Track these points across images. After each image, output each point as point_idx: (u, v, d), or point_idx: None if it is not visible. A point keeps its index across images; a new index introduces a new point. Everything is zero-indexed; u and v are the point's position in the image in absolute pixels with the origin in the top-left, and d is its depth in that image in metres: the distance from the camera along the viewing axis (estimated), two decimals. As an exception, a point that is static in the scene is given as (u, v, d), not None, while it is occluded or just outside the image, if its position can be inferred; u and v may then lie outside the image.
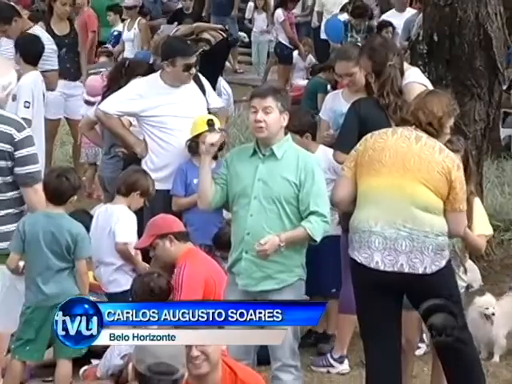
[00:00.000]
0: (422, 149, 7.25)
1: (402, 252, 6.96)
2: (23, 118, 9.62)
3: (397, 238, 6.90)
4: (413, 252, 6.97)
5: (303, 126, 8.78)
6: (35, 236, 7.88)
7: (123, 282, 8.98)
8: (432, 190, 7.21)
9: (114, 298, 8.99)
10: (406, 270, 6.97)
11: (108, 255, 9.15)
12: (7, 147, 8.06)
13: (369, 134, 7.36)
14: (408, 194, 6.97)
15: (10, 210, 8.22)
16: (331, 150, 8.42)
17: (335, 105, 9.37)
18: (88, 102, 13.73)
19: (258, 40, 23.46)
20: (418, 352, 8.07)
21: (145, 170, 9.60)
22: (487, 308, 9.03)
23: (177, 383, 5.40)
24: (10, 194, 8.19)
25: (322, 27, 19.51)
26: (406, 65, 8.94)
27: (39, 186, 8.05)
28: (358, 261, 7.13)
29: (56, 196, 8.01)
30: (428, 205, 7.18)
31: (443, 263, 7.11)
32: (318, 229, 7.24)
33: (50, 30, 13.78)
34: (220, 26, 15.52)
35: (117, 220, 9.29)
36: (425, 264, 7.09)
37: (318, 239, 7.17)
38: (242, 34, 23.37)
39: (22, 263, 8.13)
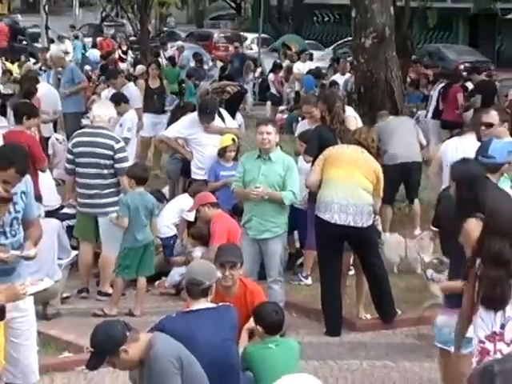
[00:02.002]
0: (364, 157, 7.77)
1: (350, 214, 7.43)
2: (126, 138, 10.35)
3: (347, 205, 7.38)
4: (356, 214, 7.45)
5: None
6: (135, 205, 8.10)
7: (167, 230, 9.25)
8: (368, 180, 7.71)
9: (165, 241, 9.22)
10: (352, 224, 7.46)
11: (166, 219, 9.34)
12: (110, 152, 8.55)
13: (331, 147, 7.96)
14: (355, 180, 7.48)
15: (112, 189, 8.57)
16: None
17: (304, 129, 9.74)
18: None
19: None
20: (350, 273, 8.21)
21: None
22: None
23: (205, 291, 5.45)
24: (111, 180, 8.58)
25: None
26: (345, 106, 9.35)
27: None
28: (324, 218, 7.57)
29: (142, 180, 8.30)
30: (365, 187, 7.64)
31: (370, 221, 7.70)
32: (287, 196, 7.59)
33: (147, 84, 14.85)
34: (237, 84, 16.56)
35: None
36: (362, 221, 7.54)
37: (286, 202, 7.63)
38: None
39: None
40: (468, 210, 5.28)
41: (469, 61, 25.34)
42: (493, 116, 7.62)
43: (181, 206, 9.19)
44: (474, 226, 5.10)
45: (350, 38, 29.96)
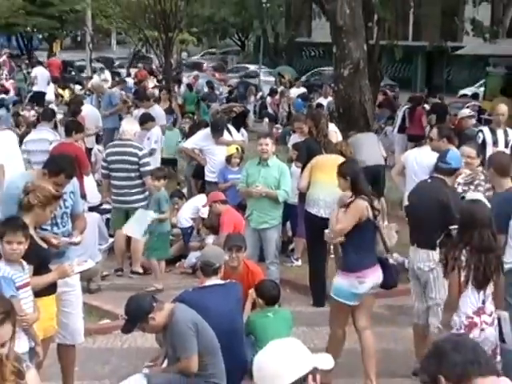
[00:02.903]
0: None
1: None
2: (152, 148, 10.33)
3: (331, 202, 7.03)
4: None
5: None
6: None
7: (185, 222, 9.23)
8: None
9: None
10: None
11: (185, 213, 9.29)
12: (136, 159, 8.54)
13: (317, 156, 7.95)
14: (335, 182, 6.89)
15: (139, 189, 8.53)
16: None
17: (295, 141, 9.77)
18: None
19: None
20: (331, 256, 7.91)
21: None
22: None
23: (216, 270, 5.50)
24: (138, 181, 8.53)
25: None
26: (328, 123, 9.26)
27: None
28: (312, 212, 7.66)
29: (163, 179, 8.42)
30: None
31: None
32: (281, 194, 7.56)
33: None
34: (242, 105, 16.83)
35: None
36: None
37: (280, 199, 7.60)
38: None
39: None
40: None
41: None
42: (433, 132, 7.65)
43: (196, 204, 9.16)
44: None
45: (320, 68, 30.72)
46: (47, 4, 30.58)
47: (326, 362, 2.56)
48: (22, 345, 4.45)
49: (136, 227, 8.06)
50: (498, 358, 4.74)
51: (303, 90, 22.30)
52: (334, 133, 9.36)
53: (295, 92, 21.40)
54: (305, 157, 8.25)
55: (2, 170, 8.54)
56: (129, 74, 27.28)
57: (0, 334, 2.77)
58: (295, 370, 2.48)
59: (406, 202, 7.94)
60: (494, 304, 4.81)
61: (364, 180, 6.08)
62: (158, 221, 7.99)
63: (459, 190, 6.39)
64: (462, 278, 4.71)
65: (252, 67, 31.77)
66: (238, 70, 33.08)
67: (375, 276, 5.84)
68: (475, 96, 22.08)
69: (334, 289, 5.92)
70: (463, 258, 4.70)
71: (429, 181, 6.15)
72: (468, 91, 24.35)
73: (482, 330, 4.70)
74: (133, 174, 8.43)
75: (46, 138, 9.27)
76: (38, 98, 17.35)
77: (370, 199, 5.87)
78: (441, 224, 5.69)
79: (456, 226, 5.33)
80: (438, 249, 5.65)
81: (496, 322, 4.80)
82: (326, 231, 6.12)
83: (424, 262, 5.83)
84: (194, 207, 9.15)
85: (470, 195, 5.65)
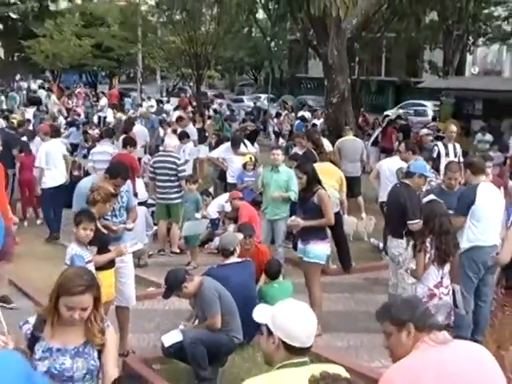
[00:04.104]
0: (333, 169, 7.87)
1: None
2: (187, 160, 10.16)
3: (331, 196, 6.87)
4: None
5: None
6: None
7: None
8: (337, 183, 7.79)
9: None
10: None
11: (213, 207, 9.14)
12: (174, 166, 8.46)
13: (314, 164, 7.58)
14: (328, 183, 6.91)
15: (176, 189, 8.45)
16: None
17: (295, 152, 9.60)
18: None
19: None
20: None
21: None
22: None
23: (233, 252, 5.49)
24: (176, 183, 8.45)
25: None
26: (322, 138, 9.37)
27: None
28: None
29: (195, 182, 8.28)
30: (335, 187, 7.60)
31: (337, 209, 7.41)
32: (292, 194, 7.29)
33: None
34: (254, 124, 16.56)
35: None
36: (338, 208, 7.52)
37: (292, 198, 7.30)
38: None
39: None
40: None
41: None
42: (401, 146, 7.82)
43: (220, 201, 9.10)
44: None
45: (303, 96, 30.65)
46: (109, 49, 30.96)
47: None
48: None
49: (192, 230, 7.97)
50: (452, 318, 4.78)
51: (308, 113, 21.37)
52: (326, 146, 9.30)
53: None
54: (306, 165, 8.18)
55: (42, 172, 8.96)
56: (168, 101, 27.07)
57: (83, 301, 2.77)
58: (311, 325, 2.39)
59: (380, 199, 8.11)
60: (449, 279, 4.78)
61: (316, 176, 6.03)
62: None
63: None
64: (426, 260, 4.69)
65: (263, 96, 31.46)
66: (252, 98, 32.49)
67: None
68: (434, 118, 22.06)
69: (314, 256, 5.82)
70: (428, 244, 4.69)
71: (397, 185, 6.11)
72: (389, 112, 24.24)
73: (440, 298, 4.71)
74: (172, 178, 8.38)
75: (107, 150, 9.26)
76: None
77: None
78: (402, 220, 5.65)
79: (412, 221, 5.49)
80: (404, 238, 5.65)
81: (451, 292, 4.79)
82: (290, 219, 6.16)
83: (395, 248, 5.82)
84: (219, 204, 9.07)
85: (426, 199, 5.57)
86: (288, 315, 2.39)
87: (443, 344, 2.41)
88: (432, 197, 5.52)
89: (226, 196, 8.99)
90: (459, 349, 2.47)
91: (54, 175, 9.09)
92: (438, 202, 5.09)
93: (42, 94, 26.33)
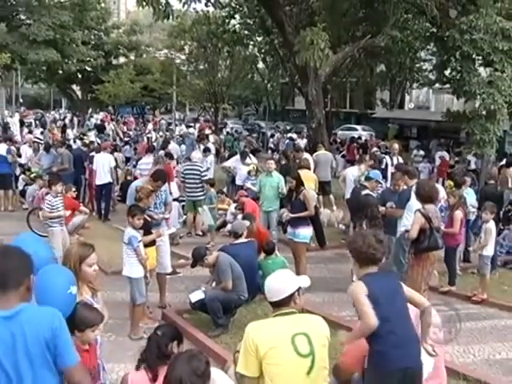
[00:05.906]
0: (312, 174, 7.73)
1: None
2: (208, 167, 9.56)
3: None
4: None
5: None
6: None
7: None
8: (315, 185, 7.59)
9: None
10: None
11: None
12: (199, 173, 8.09)
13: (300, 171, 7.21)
14: (308, 185, 6.53)
15: (200, 189, 8.09)
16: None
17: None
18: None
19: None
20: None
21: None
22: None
23: (240, 235, 5.27)
24: (200, 185, 8.09)
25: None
26: (304, 153, 9.11)
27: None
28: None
29: (213, 185, 8.08)
30: (312, 188, 7.36)
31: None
32: (282, 192, 7.09)
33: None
34: (255, 142, 15.59)
35: None
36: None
37: (282, 195, 7.15)
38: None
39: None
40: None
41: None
42: (367, 157, 8.14)
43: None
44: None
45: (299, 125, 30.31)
46: (152, 90, 31.65)
47: (306, 282, 2.43)
48: (139, 271, 4.45)
49: (206, 219, 7.76)
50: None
51: (295, 135, 20.20)
52: (307, 159, 8.92)
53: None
54: (295, 172, 7.54)
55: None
56: (193, 127, 26.43)
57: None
58: (289, 287, 2.34)
59: (346, 197, 7.93)
60: None
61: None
62: (211, 209, 7.81)
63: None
64: None
65: (262, 123, 31.59)
66: (254, 124, 32.31)
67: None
68: (383, 139, 21.96)
69: (303, 237, 5.73)
70: (364, 225, 4.77)
71: (358, 186, 6.14)
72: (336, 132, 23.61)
73: None
74: (197, 181, 8.05)
75: (150, 161, 9.04)
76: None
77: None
78: (359, 213, 5.53)
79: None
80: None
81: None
82: (282, 210, 5.99)
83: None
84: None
85: (364, 193, 5.54)
86: (267, 281, 2.41)
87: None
88: (367, 191, 5.47)
89: (234, 205, 8.55)
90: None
91: (101, 177, 9.07)
92: (372, 195, 5.10)
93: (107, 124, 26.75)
